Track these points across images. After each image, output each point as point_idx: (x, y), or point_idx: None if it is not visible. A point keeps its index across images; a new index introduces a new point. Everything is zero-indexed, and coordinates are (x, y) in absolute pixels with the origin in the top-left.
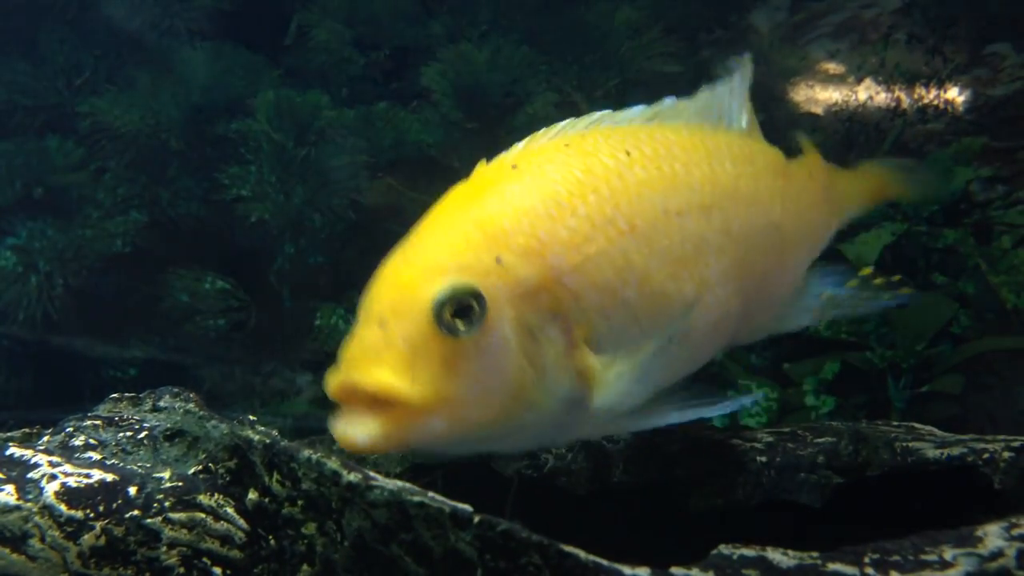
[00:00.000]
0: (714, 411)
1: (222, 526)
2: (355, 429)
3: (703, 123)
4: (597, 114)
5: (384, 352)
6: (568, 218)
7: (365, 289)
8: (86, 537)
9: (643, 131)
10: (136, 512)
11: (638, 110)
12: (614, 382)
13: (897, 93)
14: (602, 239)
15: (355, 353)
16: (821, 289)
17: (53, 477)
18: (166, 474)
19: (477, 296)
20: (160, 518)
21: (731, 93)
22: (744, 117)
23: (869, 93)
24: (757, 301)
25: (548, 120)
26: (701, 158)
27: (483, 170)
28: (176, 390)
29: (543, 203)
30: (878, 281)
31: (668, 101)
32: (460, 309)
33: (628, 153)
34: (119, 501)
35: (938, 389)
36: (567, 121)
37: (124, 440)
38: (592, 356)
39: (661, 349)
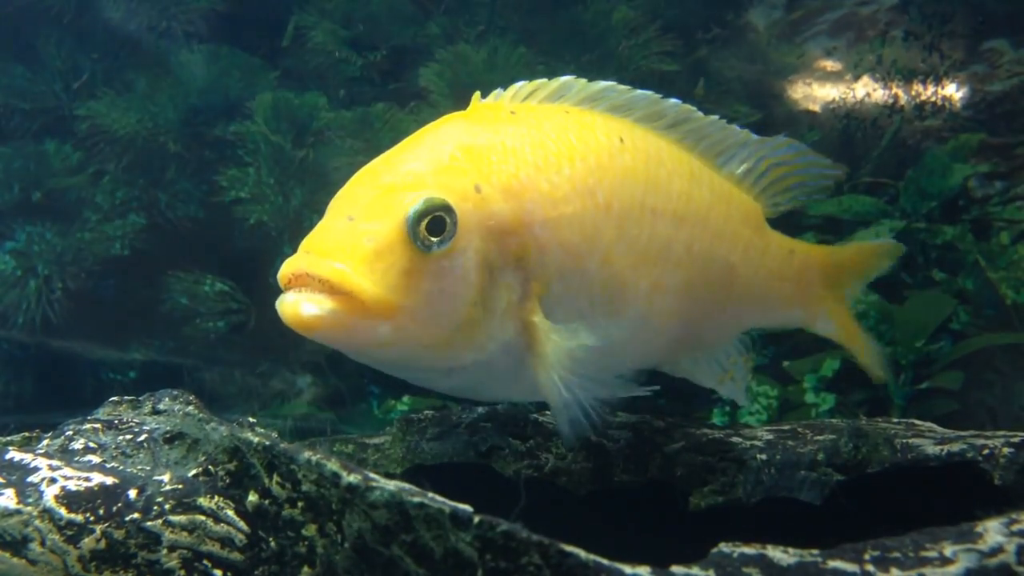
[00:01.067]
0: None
1: (222, 528)
2: (305, 303)
3: (702, 144)
4: (602, 84)
5: (347, 245)
6: (552, 174)
7: (347, 182)
8: (86, 540)
9: (638, 129)
10: (136, 515)
11: (643, 94)
12: (547, 352)
13: (894, 90)
14: (578, 204)
15: (316, 243)
16: (735, 354)
17: (53, 481)
18: (166, 477)
19: (451, 214)
20: (160, 521)
21: (749, 143)
22: (743, 167)
23: (866, 90)
24: (689, 333)
25: None
26: (684, 173)
27: (480, 106)
28: (176, 393)
29: (532, 151)
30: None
31: (674, 100)
32: (433, 224)
33: (621, 140)
34: (119, 504)
35: (938, 385)
36: (569, 78)
37: (124, 443)
38: (541, 315)
39: (610, 335)
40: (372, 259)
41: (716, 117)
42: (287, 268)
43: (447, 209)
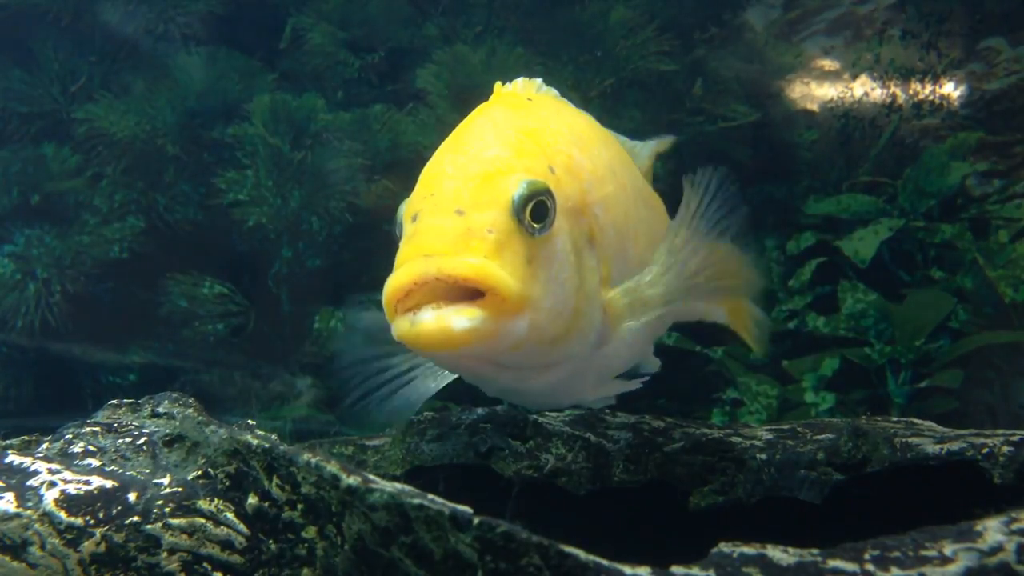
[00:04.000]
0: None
1: (222, 531)
2: (454, 317)
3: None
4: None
5: (472, 240)
6: (590, 155)
7: (421, 183)
8: (86, 544)
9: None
10: (136, 518)
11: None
12: (635, 326)
13: (892, 89)
14: (612, 185)
15: (434, 245)
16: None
17: (53, 484)
18: (166, 480)
19: (551, 196)
20: (160, 524)
21: (644, 146)
22: (645, 165)
23: (864, 89)
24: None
25: None
26: (633, 167)
27: (505, 94)
28: (175, 395)
29: (570, 133)
30: None
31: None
32: (537, 207)
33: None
34: (119, 507)
35: (937, 384)
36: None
37: (123, 446)
38: (614, 294)
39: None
40: (500, 250)
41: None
42: (406, 277)
43: (548, 193)
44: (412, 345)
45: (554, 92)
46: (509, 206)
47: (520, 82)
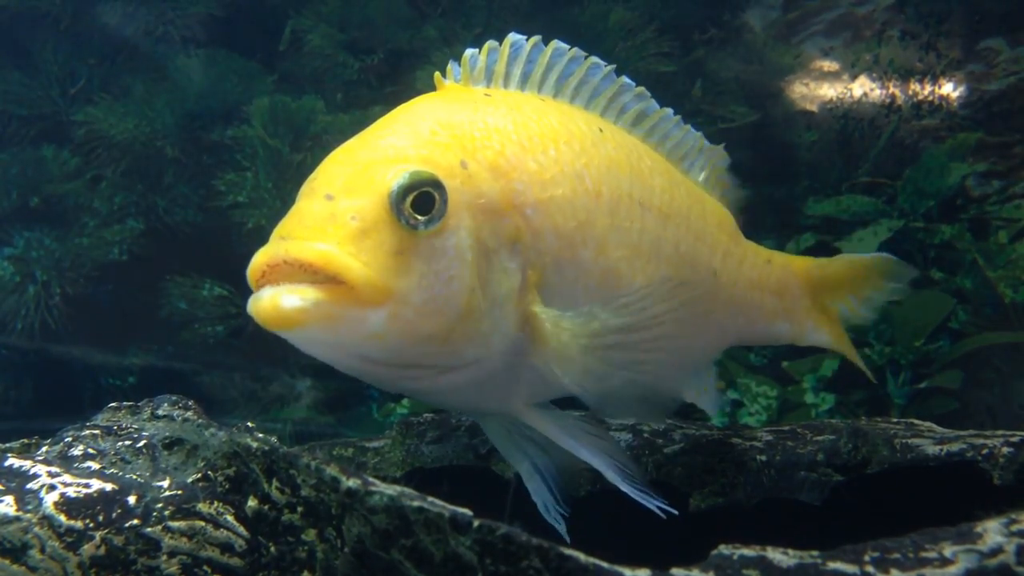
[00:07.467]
0: (627, 488)
1: (222, 534)
2: (285, 296)
3: (667, 145)
4: (552, 48)
5: (329, 226)
6: (539, 154)
7: (317, 167)
8: (86, 547)
9: (612, 125)
10: (136, 521)
11: (599, 69)
12: (563, 340)
13: (891, 89)
14: (568, 188)
15: (293, 227)
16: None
17: (52, 487)
18: (165, 483)
19: (440, 189)
20: (160, 527)
21: (704, 149)
22: (703, 175)
23: (864, 90)
24: (681, 346)
25: None
26: (662, 171)
27: (451, 87)
28: (175, 398)
29: (516, 130)
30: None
31: (628, 81)
32: (420, 200)
33: (601, 130)
34: (119, 510)
35: (937, 385)
36: (537, 38)
37: (123, 449)
38: (542, 305)
39: (612, 329)
40: (358, 238)
41: (670, 111)
42: (261, 259)
43: (436, 184)
44: (258, 322)
45: (562, 50)
46: (386, 195)
47: (470, 54)
